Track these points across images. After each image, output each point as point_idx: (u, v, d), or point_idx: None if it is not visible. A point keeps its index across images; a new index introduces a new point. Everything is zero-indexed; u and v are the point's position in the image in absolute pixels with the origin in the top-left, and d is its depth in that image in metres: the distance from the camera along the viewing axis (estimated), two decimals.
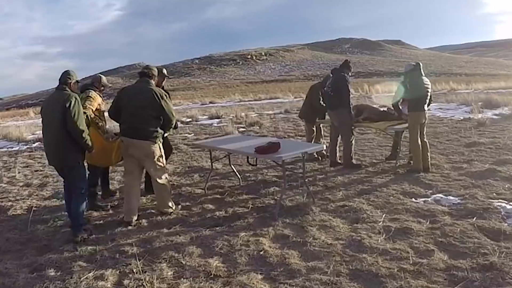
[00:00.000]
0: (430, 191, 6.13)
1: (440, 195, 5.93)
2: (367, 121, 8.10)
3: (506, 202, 5.48)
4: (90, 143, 5.05)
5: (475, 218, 4.97)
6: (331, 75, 8.51)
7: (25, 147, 13.28)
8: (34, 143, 13.81)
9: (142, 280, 3.93)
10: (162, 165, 5.66)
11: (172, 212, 5.78)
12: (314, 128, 8.99)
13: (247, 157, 7.21)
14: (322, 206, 5.73)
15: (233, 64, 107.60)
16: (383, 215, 5.24)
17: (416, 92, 7.07)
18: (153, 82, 5.54)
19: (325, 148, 8.75)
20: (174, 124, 5.71)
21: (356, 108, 8.31)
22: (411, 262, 3.99)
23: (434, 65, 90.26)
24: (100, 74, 6.52)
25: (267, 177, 7.54)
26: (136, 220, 5.53)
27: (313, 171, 7.86)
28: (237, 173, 7.24)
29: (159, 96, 5.36)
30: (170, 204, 5.79)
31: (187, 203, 6.25)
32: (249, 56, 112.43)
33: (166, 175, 5.78)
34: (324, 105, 8.50)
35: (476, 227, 4.72)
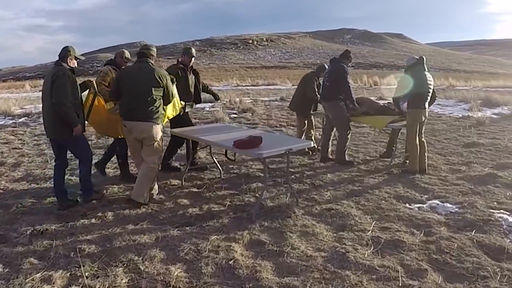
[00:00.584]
0: (426, 196, 5.62)
1: (437, 201, 5.42)
2: (365, 115, 7.50)
3: (508, 213, 4.98)
4: (72, 118, 4.99)
5: (474, 231, 4.47)
6: (327, 65, 7.96)
7: (10, 121, 12.74)
8: (20, 118, 13.32)
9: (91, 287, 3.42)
10: (159, 149, 5.40)
11: (142, 205, 5.23)
12: (306, 121, 8.42)
13: (225, 151, 6.67)
14: (307, 208, 5.20)
15: (233, 48, 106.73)
16: (373, 223, 4.71)
17: (417, 87, 6.51)
18: (152, 61, 5.27)
19: (314, 142, 8.25)
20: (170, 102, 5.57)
21: None
22: (400, 284, 3.47)
23: (434, 60, 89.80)
24: (124, 49, 6.45)
25: (251, 170, 7.01)
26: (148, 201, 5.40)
27: (301, 166, 7.33)
28: (218, 165, 6.70)
29: (161, 76, 5.17)
30: (145, 194, 5.29)
31: (161, 196, 5.70)
32: (250, 41, 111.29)
33: (157, 161, 5.44)
34: (319, 96, 7.96)
35: (475, 243, 4.21)
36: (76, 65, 5.17)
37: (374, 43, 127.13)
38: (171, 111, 5.95)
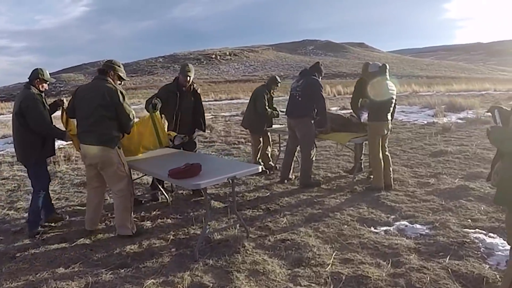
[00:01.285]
0: (393, 217, 5.05)
1: (405, 222, 4.86)
2: (328, 131, 6.88)
3: (484, 232, 4.45)
4: (57, 133, 5.02)
5: (448, 258, 3.90)
6: (278, 78, 7.38)
7: None
8: None
9: None
10: (122, 175, 4.70)
11: (131, 235, 4.77)
12: (261, 138, 7.75)
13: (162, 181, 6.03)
14: (259, 240, 4.54)
15: (197, 64, 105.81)
16: (333, 254, 4.09)
17: (378, 97, 5.95)
18: (109, 78, 4.67)
19: (271, 159, 7.59)
20: (130, 126, 4.78)
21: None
22: None
23: (396, 67, 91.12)
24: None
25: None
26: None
27: (257, 189, 6.63)
28: (163, 191, 6.00)
29: (110, 93, 4.51)
30: (129, 225, 4.78)
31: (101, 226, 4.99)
32: (213, 56, 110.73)
33: (126, 188, 4.74)
34: (272, 111, 7.36)
35: (451, 273, 3.64)
36: (46, 88, 5.05)
37: (337, 53, 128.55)
38: (149, 142, 5.25)
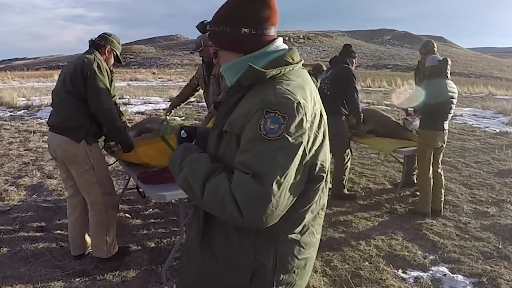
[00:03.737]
0: (432, 258, 3.98)
1: (445, 268, 3.79)
2: (371, 134, 5.78)
3: None
4: None
5: None
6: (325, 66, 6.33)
7: (8, 114, 11.53)
8: (20, 110, 12.14)
9: None
10: (92, 181, 3.46)
11: (108, 258, 3.67)
12: None
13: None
14: None
15: None
16: None
17: (433, 98, 4.81)
18: (98, 54, 3.47)
19: None
20: (112, 120, 3.43)
21: None
22: None
23: (474, 66, 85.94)
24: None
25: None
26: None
27: None
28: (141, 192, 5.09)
29: (84, 65, 3.32)
30: (104, 247, 3.63)
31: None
32: (286, 38, 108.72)
33: (103, 199, 3.52)
34: None
35: None
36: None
37: (414, 45, 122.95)
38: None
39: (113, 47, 3.60)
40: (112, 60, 3.64)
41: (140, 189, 3.95)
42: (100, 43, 3.53)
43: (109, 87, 3.40)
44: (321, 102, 1.57)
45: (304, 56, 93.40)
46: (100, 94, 3.29)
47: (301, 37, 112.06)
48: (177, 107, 5.31)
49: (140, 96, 15.96)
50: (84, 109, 3.33)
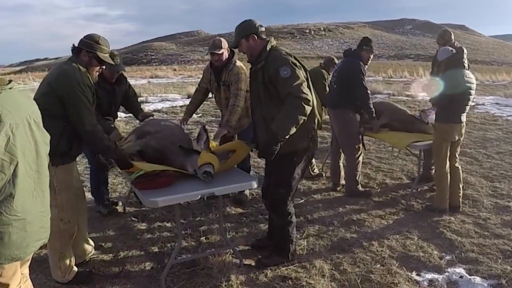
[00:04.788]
0: (448, 258, 3.76)
1: (462, 269, 3.56)
2: (385, 129, 5.55)
3: None
4: None
5: None
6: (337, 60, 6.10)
7: None
8: None
9: None
10: (52, 204, 2.71)
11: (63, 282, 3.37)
12: None
13: None
14: (253, 272, 3.45)
15: (290, 38, 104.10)
16: None
17: (450, 90, 4.56)
18: (75, 65, 3.08)
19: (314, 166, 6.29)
20: (97, 141, 3.13)
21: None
22: None
23: (497, 53, 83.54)
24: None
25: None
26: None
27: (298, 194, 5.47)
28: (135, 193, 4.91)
29: (60, 79, 3.01)
30: (59, 271, 3.33)
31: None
32: (307, 31, 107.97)
33: (55, 220, 2.97)
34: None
35: None
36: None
37: (436, 34, 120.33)
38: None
39: (94, 49, 3.15)
40: (95, 65, 3.21)
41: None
42: (78, 48, 3.17)
43: (90, 103, 3.06)
44: None
45: (326, 49, 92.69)
46: (82, 116, 2.99)
47: (322, 29, 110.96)
48: (193, 115, 5.21)
49: (158, 94, 15.92)
50: (53, 125, 2.76)
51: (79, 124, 3.01)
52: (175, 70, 37.24)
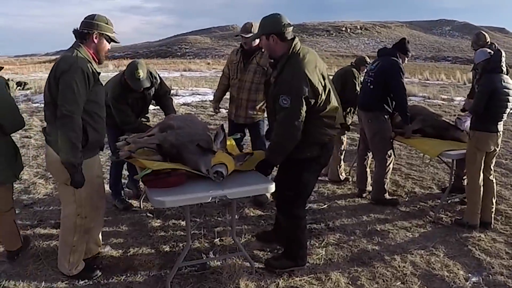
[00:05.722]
0: (475, 280, 3.50)
1: None
2: (417, 134, 5.23)
3: None
4: None
5: None
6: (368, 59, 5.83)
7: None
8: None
9: None
10: (70, 196, 3.06)
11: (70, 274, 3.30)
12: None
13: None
14: (264, 280, 3.29)
15: (326, 35, 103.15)
16: None
17: (486, 95, 4.26)
18: (82, 50, 2.96)
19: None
20: (67, 129, 2.78)
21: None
22: None
23: None
24: None
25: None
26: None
27: (314, 197, 5.27)
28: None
29: (62, 63, 2.83)
30: (66, 264, 3.25)
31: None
32: (343, 29, 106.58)
33: (72, 215, 3.12)
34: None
35: None
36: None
37: None
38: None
39: (101, 30, 3.04)
40: (106, 45, 3.11)
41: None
42: (83, 32, 3.00)
43: (80, 92, 2.81)
44: None
45: (362, 48, 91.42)
46: (66, 99, 2.76)
47: (358, 27, 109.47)
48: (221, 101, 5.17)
49: (189, 87, 15.84)
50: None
51: (59, 105, 2.77)
52: (208, 64, 37.26)
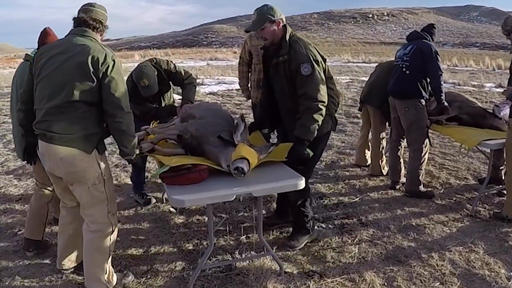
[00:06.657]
0: None
1: None
2: (453, 123, 4.96)
3: None
4: None
5: None
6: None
7: None
8: None
9: None
10: (101, 197, 2.82)
11: None
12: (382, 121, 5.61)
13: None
14: (293, 282, 3.08)
15: (352, 22, 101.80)
16: None
17: None
18: (96, 35, 2.76)
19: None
20: (131, 125, 2.77)
21: None
22: None
23: None
24: None
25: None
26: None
27: (346, 190, 5.05)
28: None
29: (99, 60, 2.59)
30: (103, 278, 2.90)
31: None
32: (370, 15, 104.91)
33: (106, 219, 2.87)
34: None
35: None
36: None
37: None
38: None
39: (106, 24, 2.83)
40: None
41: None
42: (94, 26, 2.74)
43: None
44: None
45: (389, 34, 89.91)
46: (122, 96, 2.65)
47: (385, 14, 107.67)
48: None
49: (215, 76, 15.68)
50: (94, 113, 2.66)
51: (117, 105, 2.67)
52: (235, 53, 37.00)
